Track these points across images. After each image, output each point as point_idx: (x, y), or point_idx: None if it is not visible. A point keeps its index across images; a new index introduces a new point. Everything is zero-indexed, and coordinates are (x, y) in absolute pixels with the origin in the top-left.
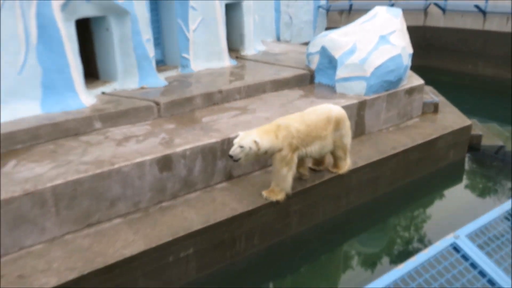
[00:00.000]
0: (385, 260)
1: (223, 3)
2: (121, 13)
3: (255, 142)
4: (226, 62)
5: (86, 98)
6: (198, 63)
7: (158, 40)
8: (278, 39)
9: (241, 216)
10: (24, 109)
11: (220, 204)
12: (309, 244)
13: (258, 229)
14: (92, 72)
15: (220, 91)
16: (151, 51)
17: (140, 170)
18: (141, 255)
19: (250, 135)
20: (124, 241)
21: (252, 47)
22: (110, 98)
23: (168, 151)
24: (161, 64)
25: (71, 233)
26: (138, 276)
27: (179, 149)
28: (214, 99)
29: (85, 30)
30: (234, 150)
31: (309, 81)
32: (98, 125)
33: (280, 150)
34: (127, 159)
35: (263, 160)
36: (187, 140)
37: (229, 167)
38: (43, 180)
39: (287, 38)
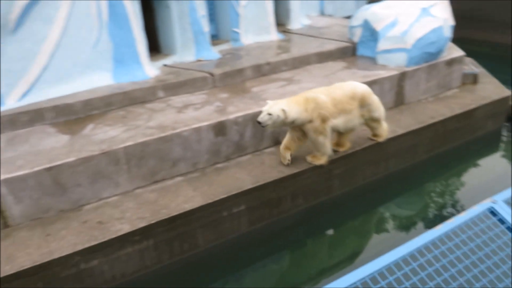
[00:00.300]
0: (420, 223)
1: None
2: None
3: (283, 110)
4: (274, 36)
5: (150, 70)
6: (248, 37)
7: (212, 16)
8: (322, 13)
9: (287, 178)
10: (99, 80)
11: (268, 167)
12: (349, 205)
13: (302, 190)
14: (154, 46)
15: (268, 63)
16: (206, 26)
17: (198, 134)
18: (199, 209)
19: (279, 104)
20: (185, 196)
21: (297, 21)
22: (170, 70)
23: (222, 118)
24: (215, 38)
25: (140, 188)
26: (196, 227)
27: (232, 116)
28: (263, 71)
29: (148, 7)
30: (263, 117)
31: (352, 53)
32: (161, 94)
33: (310, 121)
34: (187, 125)
35: None
36: (239, 108)
37: (276, 134)
38: (116, 142)
39: (331, 12)
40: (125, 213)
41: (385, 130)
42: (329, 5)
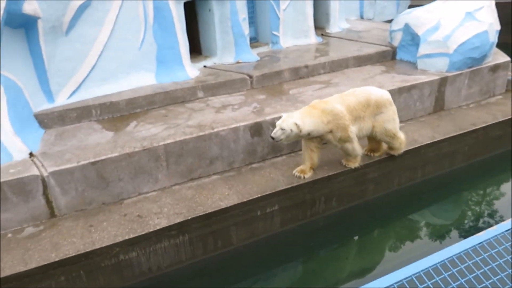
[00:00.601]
0: (455, 233)
1: None
2: None
3: (296, 124)
4: (312, 39)
5: (191, 71)
6: (286, 40)
7: (252, 19)
8: (362, 17)
9: (322, 180)
10: (142, 79)
11: None
12: (382, 210)
13: (336, 193)
14: (195, 48)
15: (306, 66)
16: (246, 29)
17: (235, 134)
18: (234, 207)
19: (292, 117)
20: (220, 194)
21: (336, 25)
22: (210, 71)
23: (259, 119)
24: (254, 41)
25: (178, 185)
26: (230, 225)
27: (268, 118)
28: (301, 73)
29: (191, 11)
30: (276, 132)
31: (391, 57)
32: (200, 94)
33: (330, 131)
34: (225, 125)
35: None
36: (276, 110)
37: None
38: (157, 139)
39: (370, 17)
40: (163, 208)
41: (402, 143)
42: (369, 9)
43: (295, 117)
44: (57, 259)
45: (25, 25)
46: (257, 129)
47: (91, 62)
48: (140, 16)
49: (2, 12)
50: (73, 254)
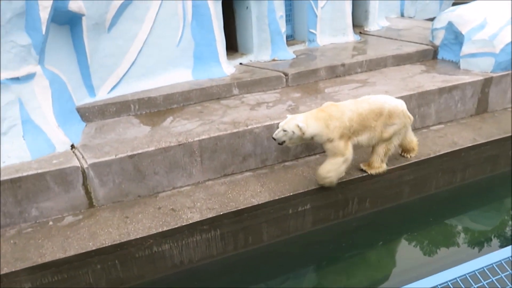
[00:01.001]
0: (495, 241)
1: None
2: None
3: (298, 127)
4: (350, 37)
5: (227, 68)
6: (324, 38)
7: (289, 16)
8: (402, 15)
9: (355, 180)
10: (179, 76)
11: None
12: (418, 214)
13: (369, 194)
14: (232, 46)
15: (343, 65)
16: (283, 27)
17: (269, 132)
18: (265, 204)
19: (295, 119)
20: (253, 191)
21: (375, 23)
22: (246, 68)
23: None
24: (291, 38)
25: (211, 180)
26: (262, 222)
27: None
28: (337, 72)
29: (228, 8)
30: (277, 133)
31: (432, 56)
32: (236, 91)
33: (330, 140)
34: (259, 122)
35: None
36: (311, 108)
37: None
38: (192, 135)
39: (411, 14)
40: (196, 203)
41: (380, 168)
42: (410, 7)
43: (298, 119)
44: (94, 248)
45: (70, 22)
46: None
47: (131, 58)
48: (179, 13)
49: (49, 9)
50: (109, 244)
